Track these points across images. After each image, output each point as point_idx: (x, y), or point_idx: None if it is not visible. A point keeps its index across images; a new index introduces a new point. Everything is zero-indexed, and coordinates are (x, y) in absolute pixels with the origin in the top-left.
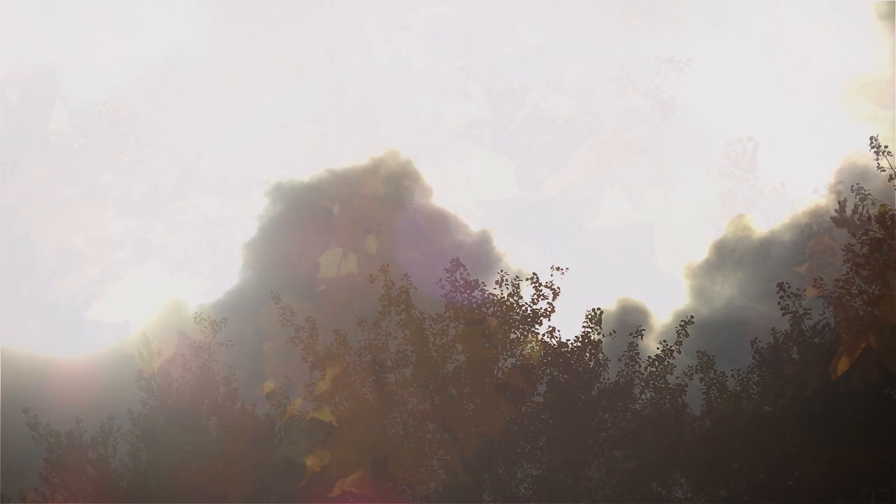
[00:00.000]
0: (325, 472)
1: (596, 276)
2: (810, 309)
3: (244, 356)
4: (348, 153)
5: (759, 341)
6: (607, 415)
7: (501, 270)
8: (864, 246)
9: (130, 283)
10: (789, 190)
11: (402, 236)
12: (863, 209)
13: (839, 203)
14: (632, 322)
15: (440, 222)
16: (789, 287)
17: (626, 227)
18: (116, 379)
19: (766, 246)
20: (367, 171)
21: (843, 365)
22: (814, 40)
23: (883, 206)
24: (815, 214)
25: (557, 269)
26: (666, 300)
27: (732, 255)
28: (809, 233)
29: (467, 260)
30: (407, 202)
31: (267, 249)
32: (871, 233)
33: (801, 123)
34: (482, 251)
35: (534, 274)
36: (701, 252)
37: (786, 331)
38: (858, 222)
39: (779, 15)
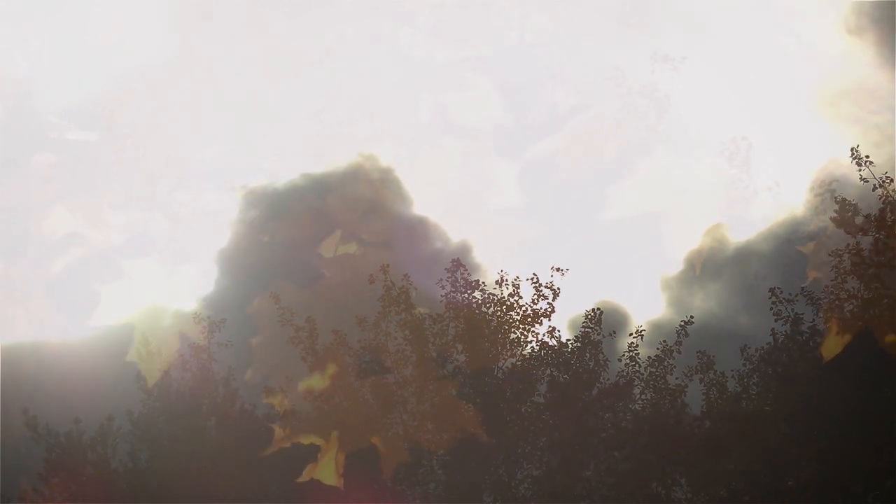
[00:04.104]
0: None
1: (586, 276)
2: (803, 314)
3: (243, 356)
4: (344, 152)
5: (749, 347)
6: (607, 415)
7: (501, 270)
8: (856, 249)
9: (128, 278)
10: (784, 189)
11: (379, 245)
12: (856, 214)
13: (838, 205)
14: (610, 324)
15: (419, 230)
16: (781, 292)
17: (620, 227)
18: (114, 368)
19: (743, 256)
20: (346, 175)
21: (832, 346)
22: (807, 42)
23: (880, 210)
24: (812, 213)
25: (557, 269)
26: (649, 303)
27: (710, 264)
28: (800, 234)
29: (442, 269)
30: (386, 208)
31: (248, 250)
32: (871, 234)
33: (792, 124)
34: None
35: (534, 274)
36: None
37: (785, 332)
38: (856, 224)
39: (771, 16)
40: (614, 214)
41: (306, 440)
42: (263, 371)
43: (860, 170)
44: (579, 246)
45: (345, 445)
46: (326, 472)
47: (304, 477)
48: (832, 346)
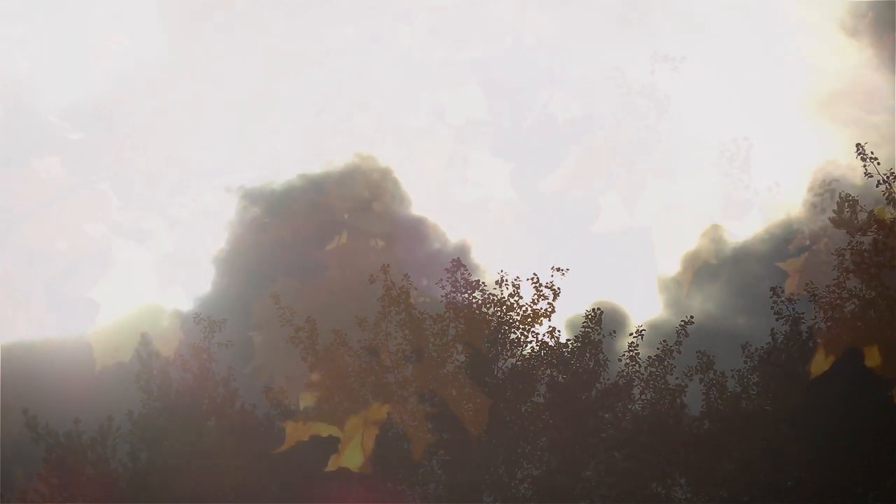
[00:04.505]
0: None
1: (583, 276)
2: (803, 313)
3: (241, 355)
4: (342, 153)
5: (751, 345)
6: (607, 415)
7: (501, 270)
8: (857, 249)
9: (127, 278)
10: (781, 190)
11: (376, 245)
12: (856, 213)
13: (837, 204)
14: (608, 325)
15: (417, 231)
16: (782, 292)
17: (618, 228)
18: (113, 367)
19: (741, 257)
20: (343, 176)
21: (819, 365)
22: (805, 43)
23: (881, 208)
24: (810, 214)
25: (558, 269)
26: (647, 304)
27: (707, 266)
28: (799, 232)
29: (441, 270)
30: (383, 209)
31: (245, 250)
32: (869, 233)
33: (789, 125)
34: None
35: (534, 274)
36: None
37: (785, 332)
38: (857, 223)
39: (768, 17)
40: (612, 214)
41: (325, 431)
42: (266, 370)
43: (865, 165)
44: (577, 246)
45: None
46: (353, 457)
47: (331, 467)
48: (819, 365)
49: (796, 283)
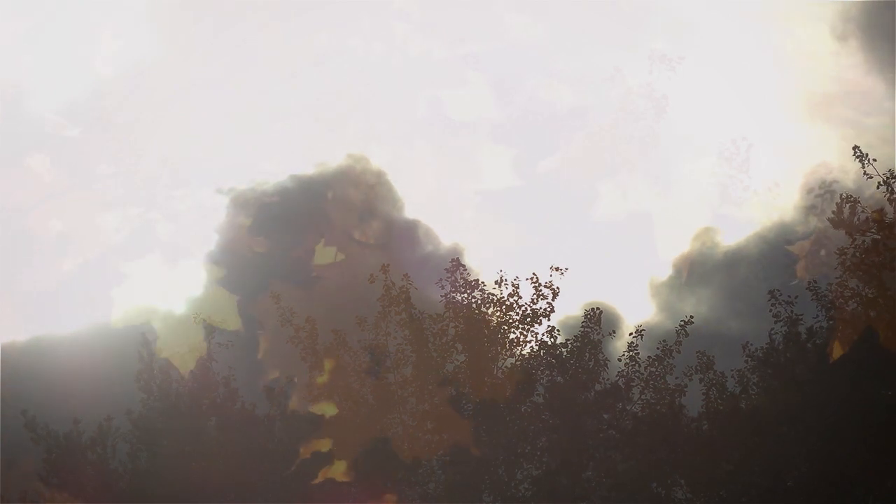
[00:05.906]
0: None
1: (578, 277)
2: (802, 314)
3: (243, 354)
4: (337, 153)
5: (751, 345)
6: (606, 416)
7: (501, 270)
8: (858, 249)
9: (125, 278)
10: (776, 192)
11: (370, 246)
12: (858, 212)
13: (836, 205)
14: (603, 326)
15: (411, 233)
16: (780, 294)
17: (614, 228)
18: (113, 367)
19: (735, 260)
20: (337, 177)
21: (839, 348)
22: (799, 45)
23: (878, 211)
24: (807, 215)
25: (557, 269)
26: (640, 306)
27: (700, 269)
28: (798, 235)
29: (436, 272)
30: (377, 211)
31: (238, 252)
32: (869, 234)
33: (784, 127)
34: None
35: (533, 274)
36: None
37: (784, 331)
38: (856, 224)
39: (764, 19)
40: (610, 215)
41: (324, 448)
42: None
43: (864, 167)
44: (574, 247)
45: (347, 451)
46: (337, 469)
47: (319, 479)
48: (839, 348)
49: (805, 266)
